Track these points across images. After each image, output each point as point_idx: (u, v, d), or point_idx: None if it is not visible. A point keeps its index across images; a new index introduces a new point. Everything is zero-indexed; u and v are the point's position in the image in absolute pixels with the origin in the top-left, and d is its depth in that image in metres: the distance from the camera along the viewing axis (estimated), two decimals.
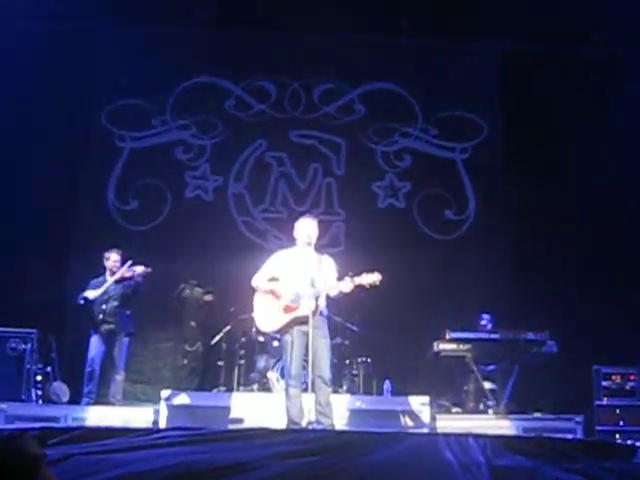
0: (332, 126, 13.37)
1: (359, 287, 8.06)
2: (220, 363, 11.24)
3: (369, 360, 11.20)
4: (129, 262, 10.36)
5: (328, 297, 8.31)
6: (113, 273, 10.39)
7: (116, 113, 13.09)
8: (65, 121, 12.56)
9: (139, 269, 10.32)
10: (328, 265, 8.45)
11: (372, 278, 8.02)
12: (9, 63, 12.18)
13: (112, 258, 10.44)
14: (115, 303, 10.28)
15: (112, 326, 10.22)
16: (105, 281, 10.39)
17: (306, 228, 8.43)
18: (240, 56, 13.18)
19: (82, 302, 10.26)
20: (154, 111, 13.16)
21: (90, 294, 10.25)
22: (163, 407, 9.67)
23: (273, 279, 8.43)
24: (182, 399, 9.83)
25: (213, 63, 13.28)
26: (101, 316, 10.21)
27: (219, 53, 13.25)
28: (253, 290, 8.50)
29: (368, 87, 13.46)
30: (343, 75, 13.38)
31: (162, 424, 9.37)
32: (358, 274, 8.06)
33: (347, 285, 8.05)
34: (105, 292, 10.29)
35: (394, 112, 13.41)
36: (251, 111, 13.33)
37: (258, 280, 8.46)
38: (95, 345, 10.21)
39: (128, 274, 10.33)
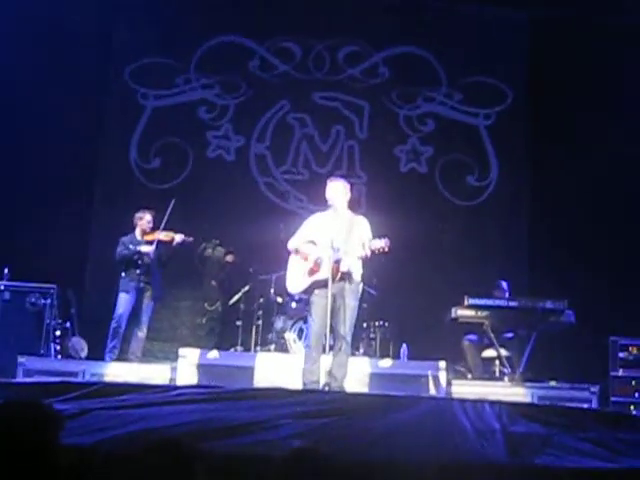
0: (356, 89, 13.28)
1: (372, 253, 7.96)
2: (238, 323, 11.26)
3: (387, 324, 11.23)
4: (162, 226, 10.37)
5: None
6: (144, 233, 10.47)
7: (140, 71, 13.02)
8: (89, 78, 12.53)
9: (179, 237, 10.42)
10: (360, 227, 8.30)
11: (378, 244, 7.88)
12: (33, 15, 12.17)
13: (146, 218, 10.52)
14: (149, 265, 10.35)
15: (142, 285, 10.32)
16: (135, 239, 10.45)
17: (327, 191, 8.41)
18: (265, 16, 13.11)
19: (136, 257, 10.30)
20: (178, 70, 13.10)
21: (145, 249, 10.29)
22: (181, 365, 9.74)
23: (311, 242, 8.39)
24: (200, 357, 9.89)
25: (238, 23, 13.16)
26: (135, 276, 10.31)
27: (244, 12, 13.15)
28: (288, 253, 8.53)
29: (393, 50, 13.35)
30: (368, 38, 13.26)
31: (179, 382, 9.42)
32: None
33: (360, 252, 8.00)
34: (140, 253, 10.35)
35: (418, 76, 13.30)
36: (275, 72, 13.25)
37: (292, 243, 8.48)
38: (124, 303, 10.29)
39: (166, 239, 10.40)
